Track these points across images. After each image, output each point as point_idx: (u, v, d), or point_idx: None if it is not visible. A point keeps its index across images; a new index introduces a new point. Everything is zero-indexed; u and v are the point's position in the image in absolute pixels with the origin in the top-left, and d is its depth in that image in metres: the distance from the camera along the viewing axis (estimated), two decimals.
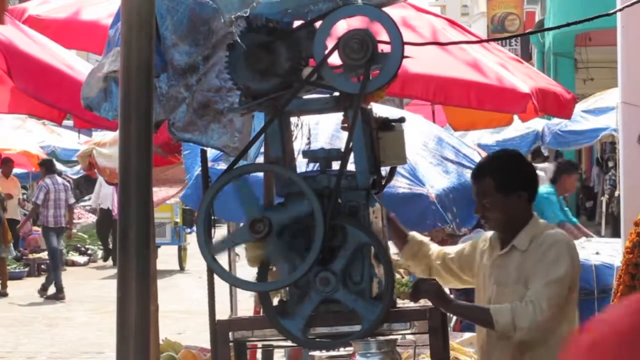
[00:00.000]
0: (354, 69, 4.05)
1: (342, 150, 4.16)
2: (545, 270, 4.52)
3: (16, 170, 22.40)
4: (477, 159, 7.40)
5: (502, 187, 4.65)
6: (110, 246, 22.10)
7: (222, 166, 5.59)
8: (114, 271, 3.09)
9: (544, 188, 10.30)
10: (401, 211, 5.47)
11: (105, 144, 11.56)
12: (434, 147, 7.20)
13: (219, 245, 4.23)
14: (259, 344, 5.64)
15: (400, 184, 6.53)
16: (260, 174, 4.97)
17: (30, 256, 20.79)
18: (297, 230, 4.10)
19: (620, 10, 5.72)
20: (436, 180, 6.80)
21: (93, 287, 18.40)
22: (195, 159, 6.55)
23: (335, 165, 4.17)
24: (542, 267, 4.55)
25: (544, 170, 13.38)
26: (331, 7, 4.06)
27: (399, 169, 4.62)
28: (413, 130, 6.60)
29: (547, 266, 4.54)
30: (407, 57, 4.11)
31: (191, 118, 4.39)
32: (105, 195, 21.97)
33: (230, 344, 4.53)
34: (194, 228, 6.57)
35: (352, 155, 4.13)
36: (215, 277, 4.45)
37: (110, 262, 21.79)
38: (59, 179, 18.48)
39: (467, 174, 7.03)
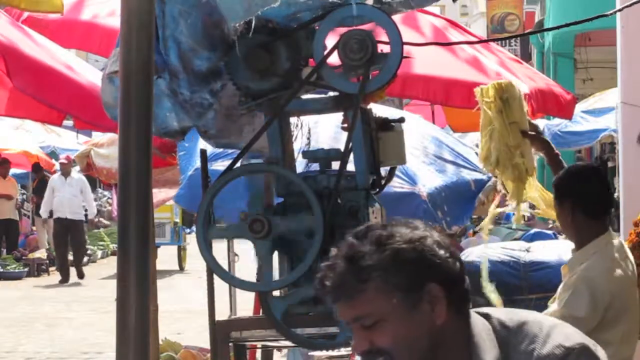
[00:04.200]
0: (353, 69, 4.06)
1: (342, 150, 4.16)
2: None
3: (15, 171, 22.40)
4: (474, 158, 7.40)
5: (556, 197, 4.66)
6: (71, 259, 19.82)
7: (216, 166, 5.59)
8: (114, 271, 3.08)
9: None
10: (393, 210, 5.46)
11: (103, 144, 11.56)
12: (428, 145, 7.19)
13: (217, 232, 4.22)
14: (259, 344, 5.64)
15: (392, 183, 6.53)
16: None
17: (30, 256, 20.76)
18: (297, 230, 4.10)
19: (620, 10, 5.71)
20: (428, 179, 6.78)
21: (93, 287, 18.40)
22: (189, 160, 6.54)
23: (335, 166, 4.17)
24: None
25: None
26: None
27: None
28: (407, 129, 6.61)
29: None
30: (406, 57, 4.11)
31: (224, 124, 4.36)
32: (61, 202, 19.63)
33: (230, 344, 4.53)
34: (194, 228, 6.57)
35: (351, 156, 4.13)
36: (215, 277, 4.45)
37: (74, 279, 19.47)
38: None
39: (462, 173, 7.03)
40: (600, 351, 2.37)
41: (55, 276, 19.91)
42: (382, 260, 2.28)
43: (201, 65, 4.14)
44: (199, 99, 4.17)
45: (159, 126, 4.15)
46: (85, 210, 20.61)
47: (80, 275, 19.70)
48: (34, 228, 23.06)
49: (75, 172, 19.66)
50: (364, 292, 2.29)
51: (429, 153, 7.10)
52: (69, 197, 19.62)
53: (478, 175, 6.93)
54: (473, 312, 2.39)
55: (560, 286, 4.62)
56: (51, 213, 20.09)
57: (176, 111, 4.14)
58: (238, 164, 4.25)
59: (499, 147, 5.00)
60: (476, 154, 8.18)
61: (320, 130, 6.32)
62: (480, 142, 5.18)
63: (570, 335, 2.36)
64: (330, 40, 4.08)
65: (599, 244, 4.56)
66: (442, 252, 2.31)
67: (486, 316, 2.39)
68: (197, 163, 6.35)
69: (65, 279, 19.33)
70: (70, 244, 19.66)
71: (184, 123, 4.20)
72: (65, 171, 19.84)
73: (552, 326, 2.37)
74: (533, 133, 5.07)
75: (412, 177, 6.65)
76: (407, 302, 2.29)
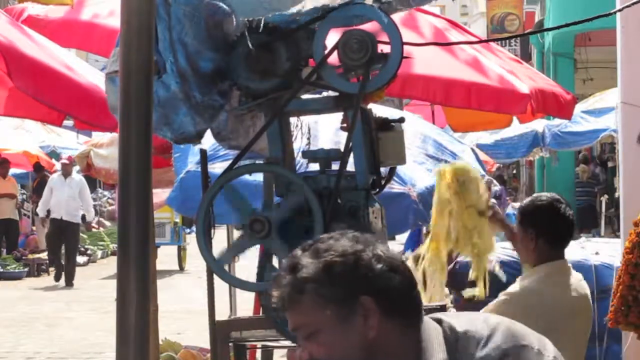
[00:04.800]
0: (353, 69, 4.06)
1: (342, 150, 4.16)
2: None
3: (15, 171, 22.40)
4: (471, 156, 7.38)
5: (520, 222, 4.81)
6: (63, 261, 19.10)
7: (211, 168, 5.57)
8: (114, 271, 3.10)
9: None
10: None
11: (102, 144, 11.57)
12: (420, 144, 7.17)
13: (226, 255, 4.23)
14: (259, 344, 5.64)
15: None
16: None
17: (30, 256, 20.75)
18: (297, 230, 4.10)
19: (620, 10, 5.71)
20: (419, 179, 6.76)
21: (93, 287, 18.40)
22: (184, 162, 6.53)
23: (335, 166, 4.17)
24: None
25: None
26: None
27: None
28: None
29: None
30: (406, 57, 4.11)
31: (234, 125, 4.36)
32: (58, 203, 19.14)
33: (230, 344, 4.53)
34: (194, 228, 6.58)
35: (351, 156, 4.13)
36: (215, 277, 4.46)
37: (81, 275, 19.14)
38: None
39: None
40: (548, 347, 2.37)
41: None
42: (316, 273, 2.32)
43: (206, 67, 4.13)
44: (210, 100, 4.16)
45: (176, 131, 4.14)
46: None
47: (70, 281, 18.83)
48: (34, 228, 23.04)
49: (76, 173, 19.55)
50: (301, 303, 2.33)
51: (422, 152, 7.09)
52: (66, 198, 19.18)
53: None
54: (427, 318, 2.41)
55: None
56: (49, 212, 19.60)
57: (192, 115, 4.12)
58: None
59: (457, 227, 5.19)
60: (472, 150, 8.19)
61: (320, 129, 6.32)
62: (435, 219, 5.37)
63: (512, 336, 2.36)
64: (331, 40, 4.08)
65: (552, 267, 4.75)
66: (379, 265, 2.32)
67: (439, 321, 2.42)
68: (189, 165, 6.35)
69: (57, 278, 19.03)
70: (64, 247, 19.17)
71: (200, 126, 4.18)
72: (66, 172, 19.56)
73: (496, 326, 2.38)
74: (490, 213, 5.34)
75: (402, 177, 6.64)
76: (340, 315, 2.32)
